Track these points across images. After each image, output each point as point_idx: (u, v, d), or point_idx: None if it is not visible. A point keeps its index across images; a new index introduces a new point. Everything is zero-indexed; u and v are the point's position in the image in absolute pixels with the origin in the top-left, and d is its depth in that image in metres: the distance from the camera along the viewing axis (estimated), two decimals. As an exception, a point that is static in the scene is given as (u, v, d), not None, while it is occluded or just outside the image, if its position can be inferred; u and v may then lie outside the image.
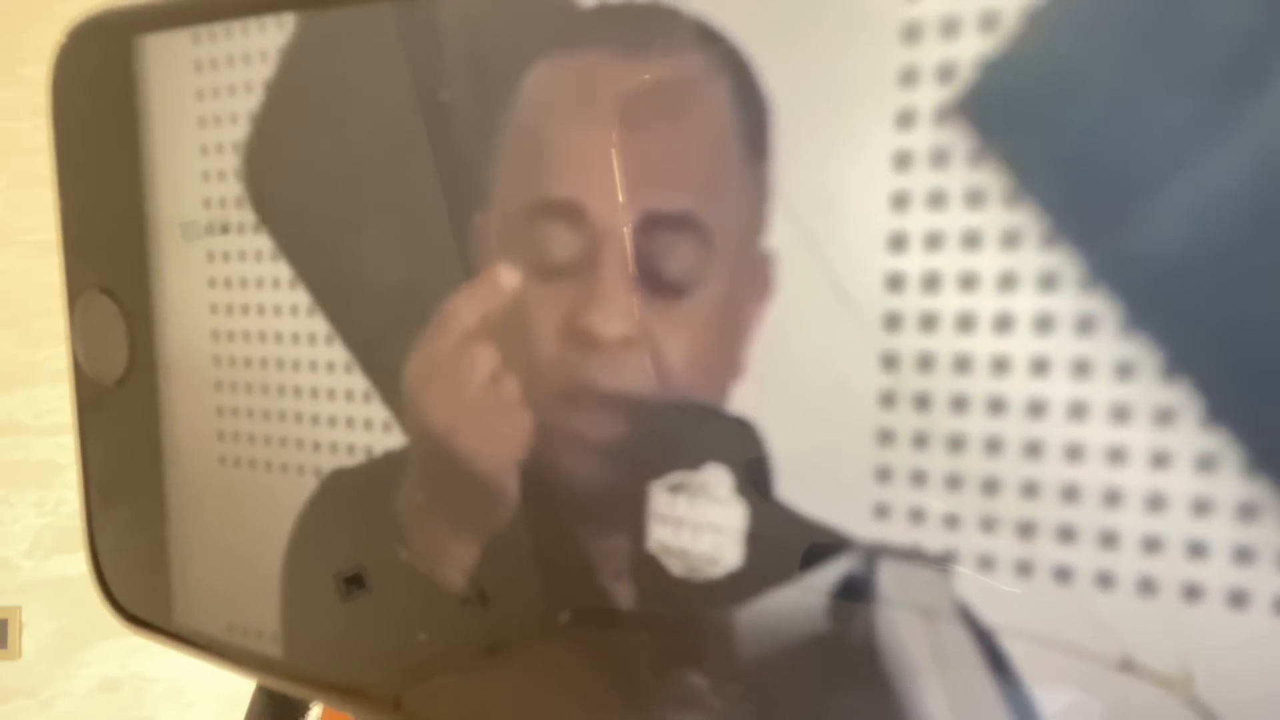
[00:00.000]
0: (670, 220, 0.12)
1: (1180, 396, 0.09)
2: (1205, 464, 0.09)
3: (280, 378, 0.15)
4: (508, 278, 0.13)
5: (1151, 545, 0.09)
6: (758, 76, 0.11)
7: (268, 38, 0.14)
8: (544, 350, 0.13)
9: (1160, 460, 0.09)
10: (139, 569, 0.18)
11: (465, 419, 0.13)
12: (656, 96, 0.12)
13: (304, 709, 0.38)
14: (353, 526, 0.15)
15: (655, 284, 0.12)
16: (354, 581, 0.15)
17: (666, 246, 0.12)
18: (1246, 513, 0.09)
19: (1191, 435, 0.09)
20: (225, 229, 0.15)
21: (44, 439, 1.30)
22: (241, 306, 0.15)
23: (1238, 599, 0.09)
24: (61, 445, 1.30)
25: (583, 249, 0.12)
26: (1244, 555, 0.09)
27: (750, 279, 0.11)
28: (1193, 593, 0.09)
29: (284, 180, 0.15)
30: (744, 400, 0.11)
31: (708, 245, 0.12)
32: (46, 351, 1.30)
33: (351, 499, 0.15)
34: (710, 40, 0.11)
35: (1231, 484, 0.09)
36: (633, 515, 0.12)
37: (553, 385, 0.13)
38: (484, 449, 0.13)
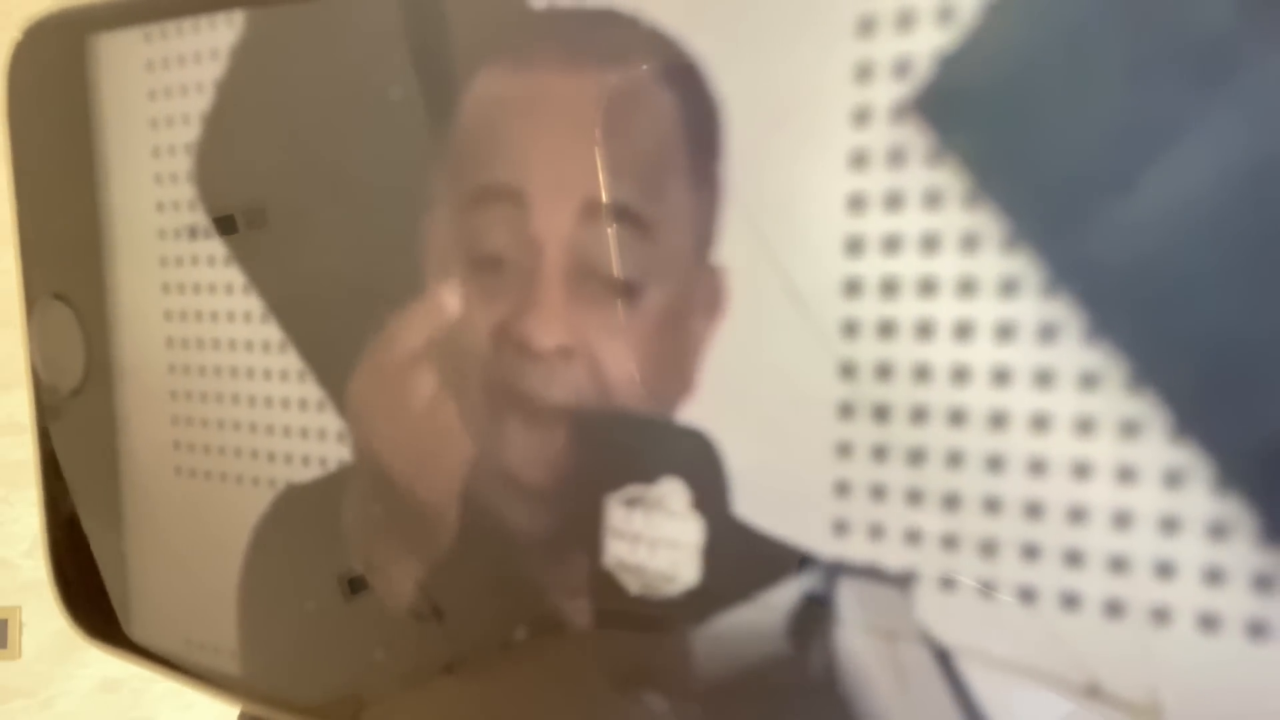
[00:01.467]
0: (611, 211, 0.11)
1: (1147, 408, 0.09)
2: (1173, 479, 0.09)
3: (234, 386, 0.14)
4: (450, 298, 0.12)
5: (1118, 564, 0.09)
6: (706, 81, 0.10)
7: (218, 35, 0.14)
8: (481, 361, 0.12)
9: (1126, 475, 0.09)
10: (98, 583, 0.17)
11: (407, 440, 0.13)
12: (601, 95, 0.11)
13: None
14: (306, 543, 0.14)
15: (596, 285, 0.11)
16: (357, 584, 0.14)
17: (603, 242, 0.11)
18: (1216, 531, 0.08)
19: (1159, 449, 0.09)
20: (177, 235, 0.15)
21: (44, 439, 1.30)
22: (195, 313, 0.15)
23: (1208, 622, 0.09)
24: (61, 446, 1.30)
25: (521, 243, 0.12)
26: (1214, 576, 0.08)
27: (700, 293, 0.11)
28: (1161, 615, 0.09)
29: (236, 182, 0.14)
30: (698, 411, 0.11)
31: (650, 245, 0.11)
32: (46, 352, 1.30)
33: (306, 515, 0.14)
34: (658, 44, 0.11)
35: (1201, 501, 0.08)
36: (588, 530, 0.12)
37: (491, 398, 0.12)
38: (428, 468, 0.13)
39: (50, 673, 1.28)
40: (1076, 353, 0.09)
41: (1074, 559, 0.09)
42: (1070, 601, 0.09)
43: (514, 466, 0.12)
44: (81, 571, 0.17)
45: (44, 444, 0.17)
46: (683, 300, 0.11)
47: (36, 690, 1.28)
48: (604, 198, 0.11)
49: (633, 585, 0.12)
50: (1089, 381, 0.09)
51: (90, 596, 0.17)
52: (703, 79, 0.10)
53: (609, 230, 0.11)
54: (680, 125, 0.11)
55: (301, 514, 0.14)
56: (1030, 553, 0.09)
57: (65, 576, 0.17)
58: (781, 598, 0.11)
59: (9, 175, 0.17)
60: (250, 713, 0.16)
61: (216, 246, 0.14)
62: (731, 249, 0.10)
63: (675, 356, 0.11)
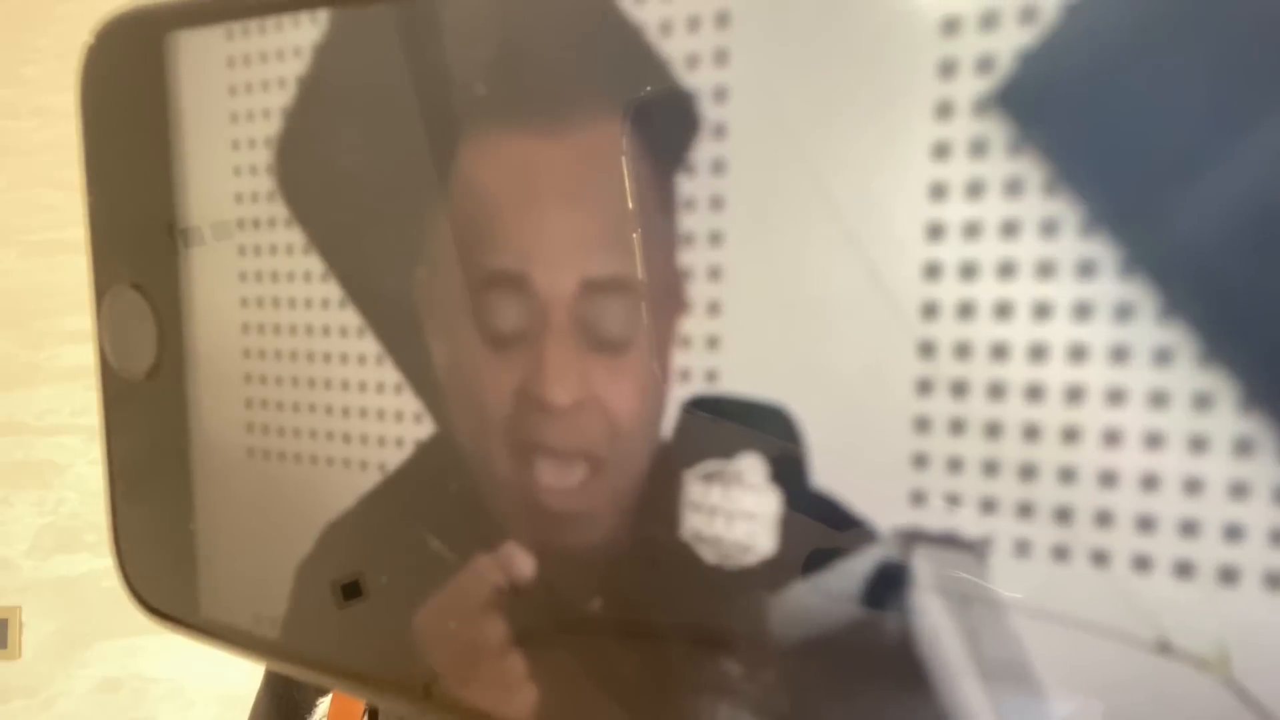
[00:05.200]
0: (604, 284, 0.13)
1: (1217, 382, 0.09)
2: (1242, 447, 0.09)
3: (311, 370, 0.15)
4: (521, 560, 0.14)
5: (1189, 528, 0.10)
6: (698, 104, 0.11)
7: (301, 33, 0.14)
8: (509, 424, 0.14)
9: (1197, 444, 0.09)
10: (164, 562, 0.18)
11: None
12: (579, 172, 0.13)
13: (309, 708, 0.38)
14: (381, 522, 0.15)
15: (597, 339, 0.13)
16: (351, 589, 0.15)
17: (603, 309, 0.13)
18: (1283, 496, 0.09)
19: (1228, 419, 0.09)
20: (256, 225, 0.15)
21: (44, 439, 1.30)
22: (272, 300, 0.15)
23: (1274, 580, 0.09)
24: (61, 445, 1.30)
25: (528, 314, 0.13)
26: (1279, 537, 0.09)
27: (671, 299, 0.12)
28: (1229, 575, 0.09)
29: (316, 175, 0.15)
30: (780, 389, 0.11)
31: (638, 299, 0.12)
32: (47, 351, 1.30)
33: (384, 498, 0.15)
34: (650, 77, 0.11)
35: (1268, 466, 0.09)
36: (666, 504, 0.12)
37: (522, 454, 0.13)
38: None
39: (50, 673, 1.28)
40: (1150, 331, 0.09)
41: (1146, 524, 0.10)
42: (1141, 563, 0.10)
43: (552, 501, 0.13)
44: (147, 554, 0.18)
45: (110, 430, 0.18)
46: (661, 312, 0.12)
47: (36, 690, 1.28)
48: (596, 271, 0.13)
49: (709, 556, 0.12)
50: (1162, 357, 0.09)
51: (155, 577, 0.18)
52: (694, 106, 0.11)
53: (602, 299, 0.13)
54: (646, 179, 0.12)
55: (379, 497, 0.15)
56: (1103, 519, 0.10)
57: (130, 559, 0.18)
58: (857, 565, 0.11)
59: (81, 171, 0.17)
60: (314, 683, 0.16)
61: (296, 236, 0.15)
62: (812, 238, 0.11)
63: (656, 354, 0.12)
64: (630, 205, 0.12)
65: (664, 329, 0.12)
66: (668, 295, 0.12)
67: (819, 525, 0.12)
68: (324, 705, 0.35)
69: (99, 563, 1.28)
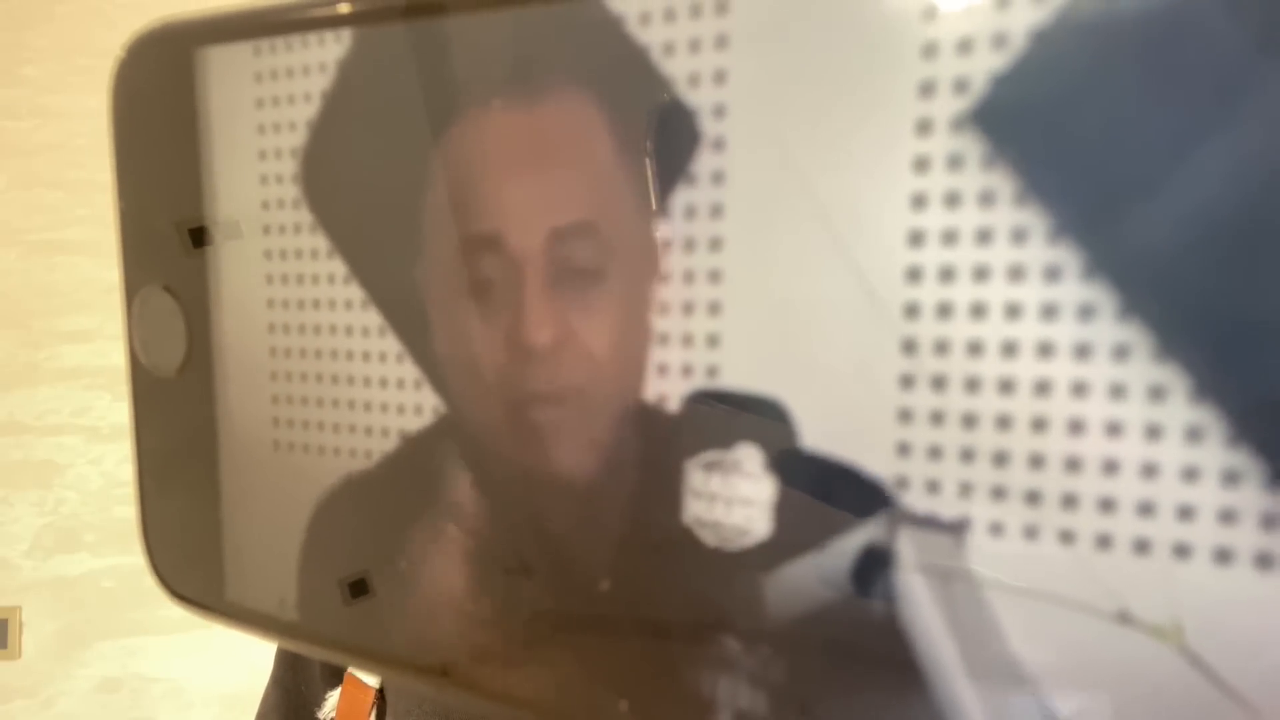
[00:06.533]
0: (572, 230, 0.14)
1: (1170, 375, 0.10)
2: (1193, 435, 0.10)
3: (335, 367, 0.16)
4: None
5: (1145, 509, 0.10)
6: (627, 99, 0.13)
7: (327, 50, 0.15)
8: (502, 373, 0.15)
9: (1153, 432, 0.10)
10: (191, 550, 0.19)
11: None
12: (545, 138, 0.14)
13: (318, 702, 0.38)
14: (398, 507, 0.16)
15: (569, 282, 0.14)
16: (358, 587, 0.16)
17: (572, 250, 0.14)
18: (1230, 479, 0.10)
19: (1180, 409, 0.10)
20: (282, 231, 0.16)
21: (44, 439, 1.31)
22: (298, 301, 0.16)
23: (1223, 556, 0.10)
24: (61, 445, 1.30)
25: (504, 268, 0.14)
26: (1228, 516, 0.10)
27: (648, 265, 0.13)
28: (1182, 551, 0.10)
29: (339, 184, 0.16)
30: (776, 383, 0.12)
31: (605, 241, 0.14)
32: (46, 351, 1.31)
33: (398, 480, 0.16)
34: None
35: (1216, 453, 0.10)
36: (669, 491, 0.13)
37: (520, 403, 0.15)
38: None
39: (50, 673, 1.29)
40: (1111, 329, 0.10)
41: (1107, 505, 0.11)
42: (1103, 541, 0.11)
43: (558, 458, 0.14)
44: (173, 542, 0.19)
45: (140, 424, 0.19)
46: (636, 273, 0.14)
47: (36, 690, 1.29)
48: (563, 220, 0.14)
49: (710, 539, 0.13)
50: (1121, 353, 0.10)
51: (183, 565, 0.19)
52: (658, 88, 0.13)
53: (571, 242, 0.14)
54: (610, 144, 0.13)
55: (395, 479, 0.16)
56: (1069, 501, 0.11)
57: (158, 548, 0.19)
58: (846, 546, 0.12)
59: (113, 178, 0.18)
60: (334, 663, 0.17)
61: (320, 241, 0.16)
62: (804, 243, 0.12)
63: (639, 316, 0.14)
64: (602, 165, 0.14)
65: (641, 290, 0.13)
66: (642, 257, 0.13)
67: (811, 510, 0.12)
68: (333, 699, 0.36)
69: (99, 563, 1.29)
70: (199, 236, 0.17)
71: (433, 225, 0.15)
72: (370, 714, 0.35)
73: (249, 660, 1.16)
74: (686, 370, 0.13)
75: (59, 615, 1.31)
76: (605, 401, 0.14)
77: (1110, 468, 0.11)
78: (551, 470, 0.14)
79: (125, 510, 1.27)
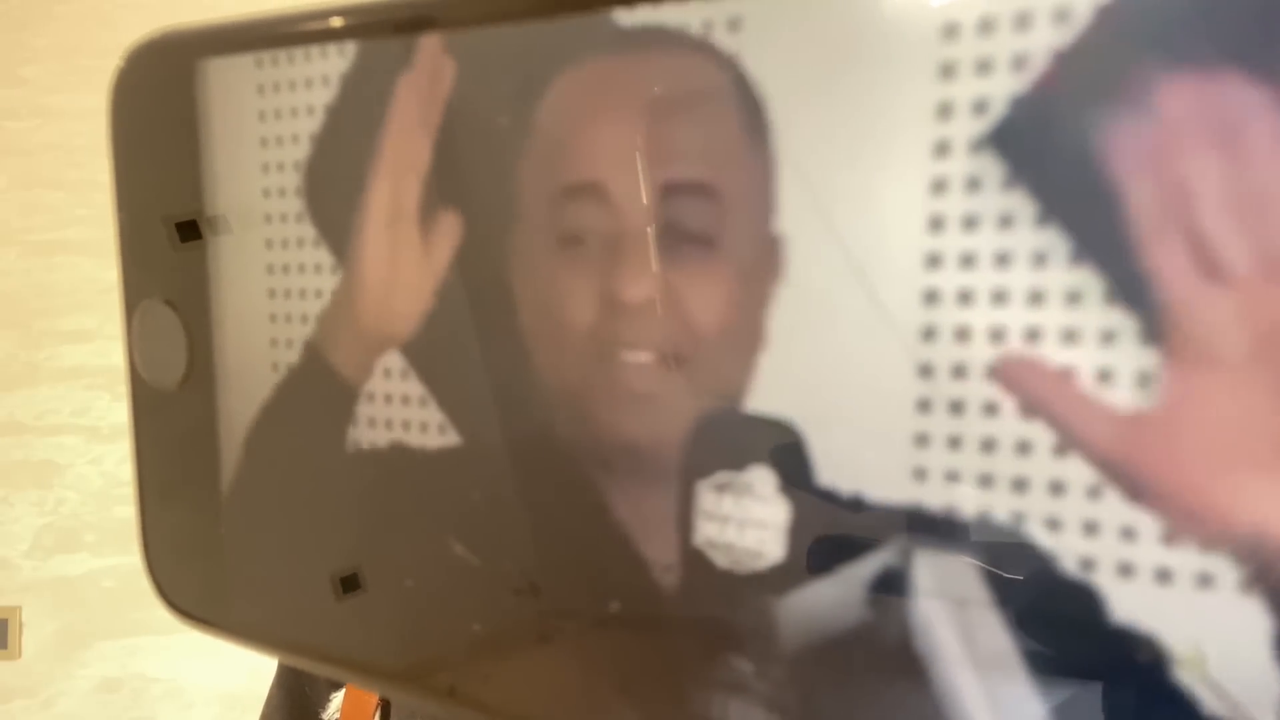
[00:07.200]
0: (686, 187, 0.13)
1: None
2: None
3: (338, 384, 0.16)
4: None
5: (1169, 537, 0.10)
6: (751, 83, 0.12)
7: (330, 63, 0.15)
8: (581, 323, 0.14)
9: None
10: (194, 566, 0.18)
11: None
12: (670, 91, 0.13)
13: (323, 704, 0.38)
14: (410, 524, 0.16)
15: (675, 241, 0.13)
16: (349, 583, 0.16)
17: (683, 208, 0.13)
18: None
19: (1205, 438, 0.10)
20: (284, 244, 0.16)
21: (44, 439, 1.30)
22: (300, 315, 0.16)
23: (1246, 585, 0.10)
24: (61, 445, 1.30)
25: (605, 225, 0.13)
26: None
27: (764, 258, 0.12)
28: (1205, 581, 0.10)
29: (342, 198, 0.15)
30: (788, 405, 0.12)
31: (720, 206, 0.13)
32: (46, 352, 1.31)
33: (407, 497, 0.15)
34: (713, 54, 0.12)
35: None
36: (681, 513, 0.13)
37: (594, 355, 0.14)
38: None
39: (50, 673, 1.29)
40: (1134, 354, 0.10)
41: (1129, 533, 0.10)
42: (1125, 570, 0.11)
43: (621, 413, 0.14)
44: (175, 558, 0.19)
45: (140, 438, 0.19)
46: (750, 261, 0.13)
47: (36, 690, 1.28)
48: (677, 176, 0.13)
49: (721, 561, 0.13)
50: (1144, 380, 0.10)
51: (183, 582, 0.18)
52: (749, 84, 0.12)
53: (682, 199, 0.13)
54: (737, 114, 0.12)
55: (404, 493, 0.15)
56: (1090, 529, 0.11)
57: (158, 563, 0.19)
58: (861, 570, 0.12)
59: (112, 190, 0.18)
60: (338, 679, 0.17)
61: (323, 255, 0.16)
62: (819, 265, 0.12)
63: (747, 311, 0.13)
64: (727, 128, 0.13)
65: (760, 290, 0.12)
66: (758, 252, 0.13)
67: (826, 534, 0.12)
68: (337, 700, 0.36)
69: (99, 563, 1.29)
70: (202, 251, 0.17)
71: (526, 183, 0.14)
72: (375, 715, 0.35)
73: (249, 660, 1.15)
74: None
75: (59, 615, 1.30)
76: (700, 388, 0.13)
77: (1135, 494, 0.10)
78: (620, 438, 0.14)
79: (125, 510, 1.27)
